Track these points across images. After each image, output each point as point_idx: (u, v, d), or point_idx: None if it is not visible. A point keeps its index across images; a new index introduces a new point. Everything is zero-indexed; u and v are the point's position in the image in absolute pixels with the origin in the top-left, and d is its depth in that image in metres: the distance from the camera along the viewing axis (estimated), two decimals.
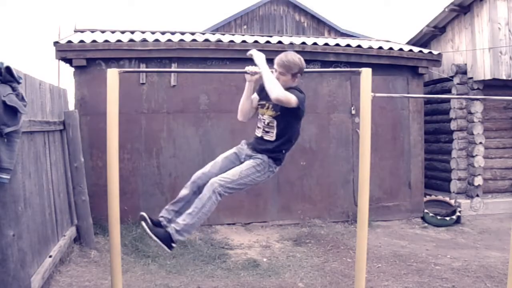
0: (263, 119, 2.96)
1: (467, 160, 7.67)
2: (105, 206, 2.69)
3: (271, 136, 2.92)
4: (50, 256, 3.83)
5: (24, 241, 2.93)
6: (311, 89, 6.71)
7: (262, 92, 2.99)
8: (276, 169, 2.97)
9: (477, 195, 7.56)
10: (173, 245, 2.67)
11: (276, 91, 2.70)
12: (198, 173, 2.90)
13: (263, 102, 2.98)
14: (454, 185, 7.70)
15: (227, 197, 5.87)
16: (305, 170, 6.65)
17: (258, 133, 2.99)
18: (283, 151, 2.97)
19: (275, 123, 2.89)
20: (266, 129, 2.93)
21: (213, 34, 7.97)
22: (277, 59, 2.92)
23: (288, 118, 2.88)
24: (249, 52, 2.94)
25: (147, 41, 6.16)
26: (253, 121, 3.16)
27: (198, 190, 2.82)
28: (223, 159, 2.96)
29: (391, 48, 6.94)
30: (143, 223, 2.67)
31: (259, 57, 2.87)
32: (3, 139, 2.44)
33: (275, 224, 6.53)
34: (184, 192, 2.86)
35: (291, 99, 2.74)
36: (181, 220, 2.70)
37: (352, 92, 6.76)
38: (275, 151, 2.92)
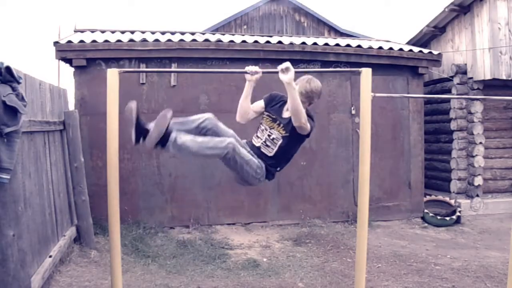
0: (269, 133, 2.93)
1: (467, 160, 7.67)
2: (105, 206, 2.69)
3: (270, 152, 2.90)
4: (50, 256, 3.83)
5: (24, 241, 2.93)
6: None
7: (273, 105, 2.98)
8: (264, 181, 2.97)
9: (477, 195, 7.56)
10: (162, 146, 2.57)
11: (302, 120, 2.74)
12: (213, 119, 2.83)
13: (274, 117, 2.95)
14: (454, 185, 7.70)
15: (226, 196, 5.85)
16: (305, 170, 6.65)
17: (257, 142, 2.96)
18: (278, 169, 2.98)
19: (280, 141, 2.89)
20: (268, 143, 2.91)
21: (213, 34, 7.97)
22: (301, 87, 2.87)
23: (294, 141, 2.90)
24: (285, 66, 2.68)
25: (147, 41, 6.17)
26: (254, 121, 3.16)
27: (202, 130, 2.75)
28: (234, 135, 2.87)
29: (391, 48, 6.94)
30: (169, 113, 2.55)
31: (292, 75, 2.69)
32: (3, 139, 2.44)
33: (275, 224, 6.53)
34: (194, 118, 2.78)
35: (308, 129, 2.82)
36: (185, 138, 2.60)
37: (352, 92, 6.77)
38: (271, 166, 2.92)
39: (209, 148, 2.63)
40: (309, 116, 2.85)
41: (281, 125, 2.90)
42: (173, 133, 2.59)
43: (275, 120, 2.95)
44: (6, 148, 2.46)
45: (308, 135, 2.90)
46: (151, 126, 2.59)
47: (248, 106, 3.04)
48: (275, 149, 2.89)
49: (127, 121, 2.55)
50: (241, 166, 2.77)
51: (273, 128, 2.93)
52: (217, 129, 2.80)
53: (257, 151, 2.92)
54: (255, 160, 2.84)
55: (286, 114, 2.93)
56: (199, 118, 2.79)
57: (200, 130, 2.75)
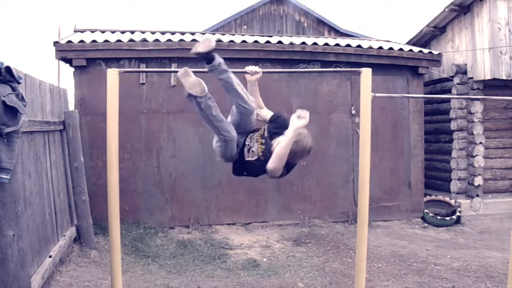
0: (253, 144, 2.87)
1: (467, 160, 7.67)
2: (105, 206, 2.69)
3: (247, 156, 2.87)
4: (50, 256, 3.83)
5: (24, 241, 2.93)
6: (311, 89, 6.72)
7: (272, 126, 2.93)
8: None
9: (477, 195, 7.55)
10: (209, 63, 2.78)
11: (277, 167, 2.68)
12: (253, 114, 2.89)
13: (265, 135, 2.88)
14: (454, 185, 7.70)
15: (226, 196, 5.85)
16: (305, 170, 6.65)
17: (247, 140, 2.93)
18: (245, 174, 2.96)
19: (254, 157, 2.84)
20: (250, 151, 2.87)
21: (213, 34, 7.97)
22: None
23: (262, 167, 2.80)
24: (304, 113, 2.63)
25: (147, 41, 6.17)
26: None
27: (238, 109, 2.85)
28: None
29: (391, 48, 6.94)
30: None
31: (303, 125, 2.64)
32: (3, 139, 2.44)
33: (275, 224, 6.53)
34: (245, 98, 2.86)
35: (276, 176, 2.79)
36: (212, 103, 2.77)
37: (352, 92, 6.77)
38: (241, 166, 2.90)
39: (215, 125, 2.73)
40: (290, 165, 2.79)
41: (263, 147, 2.83)
42: (226, 74, 2.78)
43: (263, 137, 2.89)
44: (6, 148, 2.46)
45: (272, 177, 2.84)
46: (217, 59, 2.75)
47: None
48: (252, 159, 2.86)
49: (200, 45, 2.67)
50: (221, 147, 2.82)
51: (258, 142, 2.88)
52: (241, 120, 2.84)
53: (242, 146, 2.90)
54: (233, 154, 2.85)
55: (274, 143, 2.81)
56: (248, 103, 2.82)
57: (236, 107, 2.84)
